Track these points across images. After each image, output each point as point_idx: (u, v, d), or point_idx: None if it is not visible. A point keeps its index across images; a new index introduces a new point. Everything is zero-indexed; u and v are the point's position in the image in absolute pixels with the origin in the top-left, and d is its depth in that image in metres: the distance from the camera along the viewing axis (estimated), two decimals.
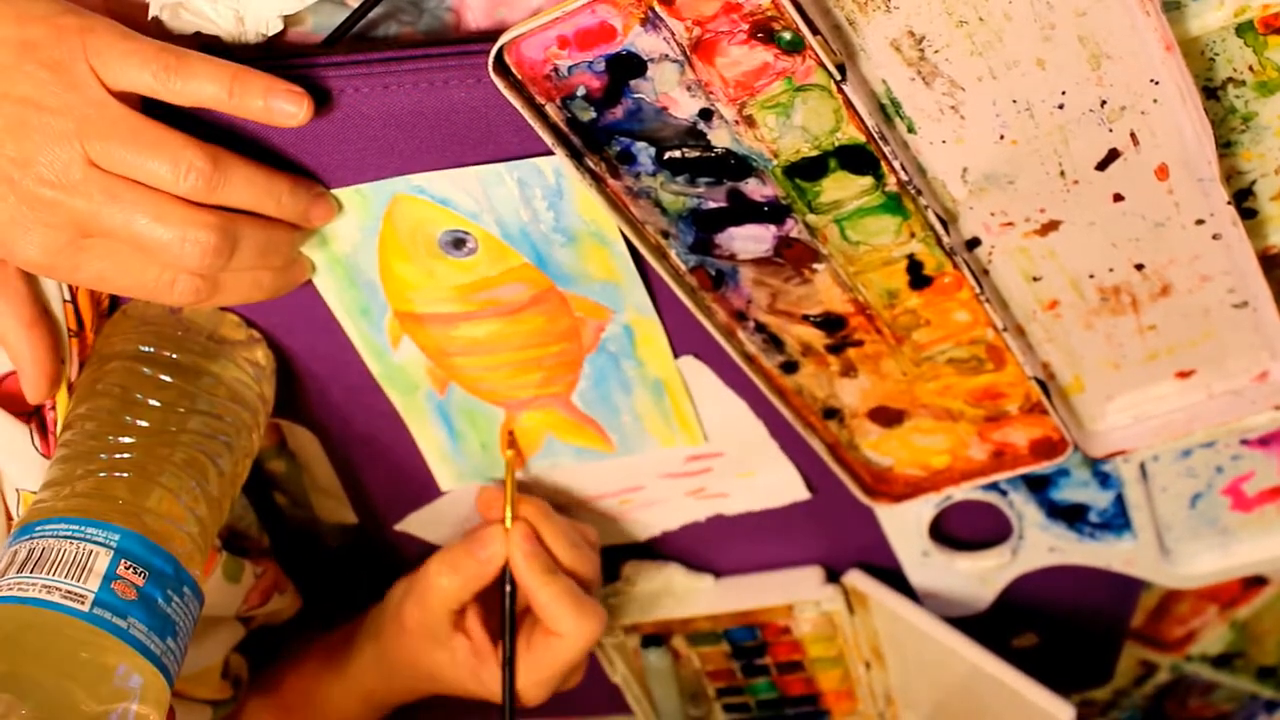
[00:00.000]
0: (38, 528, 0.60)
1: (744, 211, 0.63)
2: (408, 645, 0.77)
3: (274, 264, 0.64)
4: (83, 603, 0.58)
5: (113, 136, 0.58)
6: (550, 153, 0.60)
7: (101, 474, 0.62)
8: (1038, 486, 0.78)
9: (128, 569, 0.60)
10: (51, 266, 0.60)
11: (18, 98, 0.57)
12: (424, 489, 0.79)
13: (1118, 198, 0.62)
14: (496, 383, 0.73)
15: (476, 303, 0.69)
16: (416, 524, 0.82)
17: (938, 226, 0.62)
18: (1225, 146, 0.63)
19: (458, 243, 0.66)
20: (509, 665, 0.75)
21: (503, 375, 0.73)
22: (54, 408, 0.66)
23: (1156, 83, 0.58)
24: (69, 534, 0.60)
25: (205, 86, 0.58)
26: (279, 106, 0.58)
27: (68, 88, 0.57)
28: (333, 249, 0.67)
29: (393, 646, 0.78)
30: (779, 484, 0.78)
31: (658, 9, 0.55)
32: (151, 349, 0.66)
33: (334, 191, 0.64)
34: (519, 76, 0.58)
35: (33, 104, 0.57)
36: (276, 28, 0.62)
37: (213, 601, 0.71)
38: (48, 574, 0.58)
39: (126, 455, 0.63)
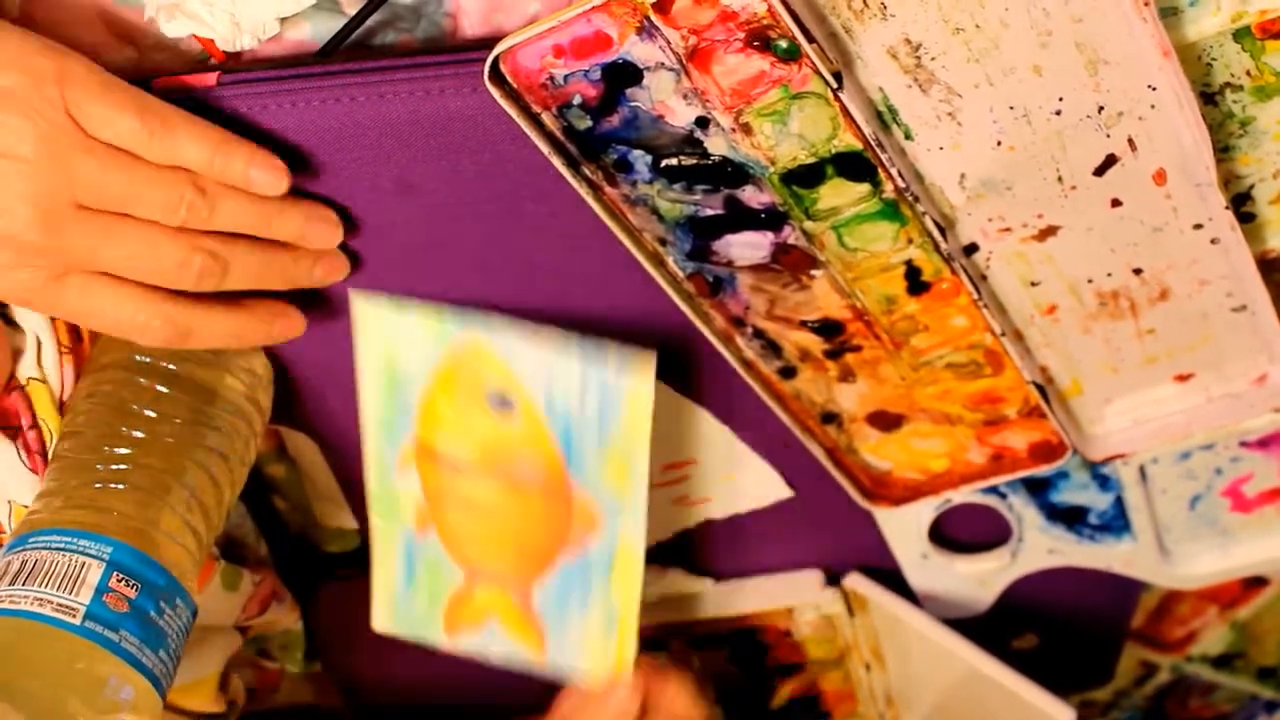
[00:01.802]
0: (31, 539, 0.60)
1: (741, 218, 0.63)
2: None
3: (271, 289, 0.64)
4: (74, 616, 0.58)
5: (103, 179, 0.57)
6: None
7: (96, 485, 0.62)
8: (1037, 489, 0.78)
9: (120, 581, 0.60)
10: (29, 302, 0.60)
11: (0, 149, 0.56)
12: None
13: (1116, 203, 0.62)
14: (473, 543, 0.72)
15: (493, 463, 0.69)
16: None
17: (935, 233, 0.62)
18: (1223, 151, 0.63)
19: (504, 402, 0.66)
20: None
21: (482, 538, 0.71)
22: (33, 426, 0.66)
23: (1154, 88, 0.57)
24: (61, 546, 0.60)
25: (188, 149, 0.58)
26: (258, 177, 0.60)
27: (49, 138, 0.56)
28: (390, 353, 0.67)
29: None
30: (758, 484, 0.78)
31: (653, 18, 0.55)
32: (148, 359, 0.66)
33: (414, 303, 0.66)
34: (515, 85, 0.58)
35: (13, 156, 0.56)
36: (273, 31, 0.62)
37: (211, 610, 0.71)
38: (40, 586, 0.58)
39: (122, 466, 0.63)
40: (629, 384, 0.63)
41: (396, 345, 0.67)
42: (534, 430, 0.67)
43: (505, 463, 0.68)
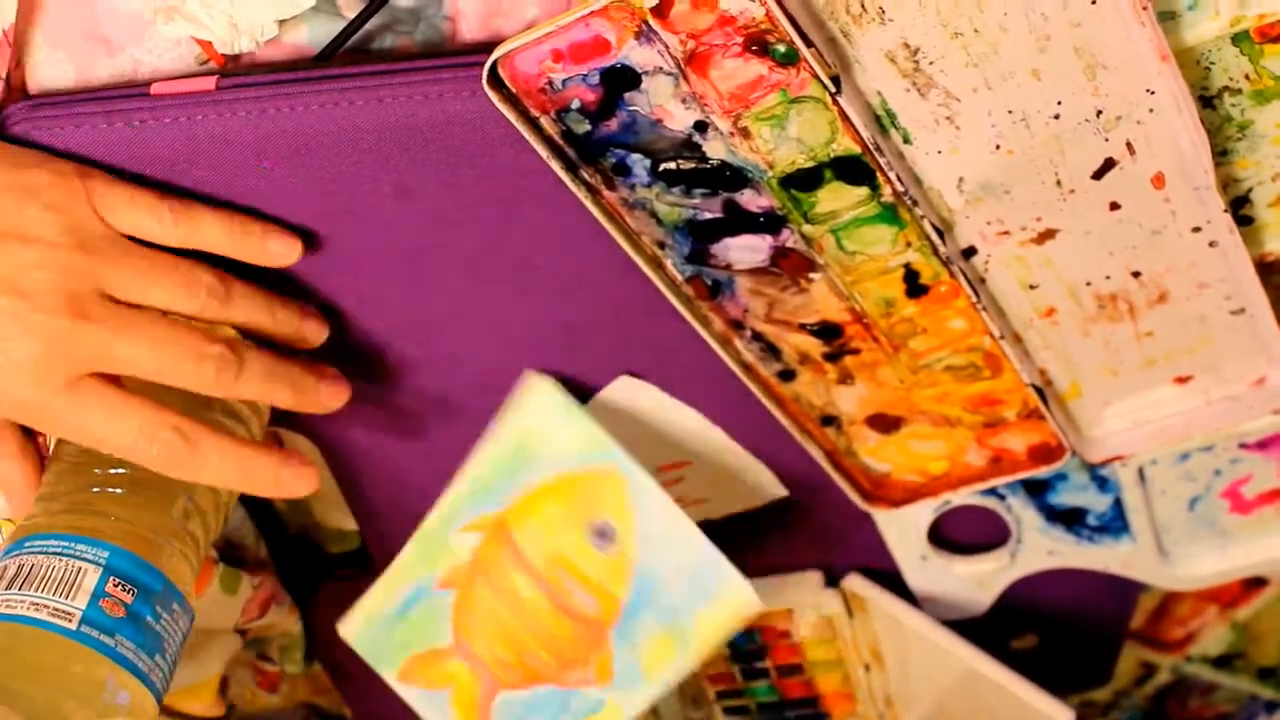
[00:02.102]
0: (27, 543, 0.60)
1: (740, 222, 0.63)
2: None
3: (279, 401, 0.65)
4: (70, 620, 0.58)
5: (126, 266, 0.60)
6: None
7: (94, 490, 0.62)
8: (1036, 491, 0.78)
9: (116, 586, 0.60)
10: (43, 404, 0.60)
11: (29, 237, 0.58)
12: (422, 498, 0.79)
13: (1114, 206, 0.62)
14: (483, 626, 0.72)
15: (555, 577, 0.69)
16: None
17: (934, 236, 0.62)
18: (1222, 155, 0.63)
19: (604, 535, 0.67)
20: None
21: (493, 628, 0.72)
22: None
23: (1152, 92, 0.57)
24: (58, 550, 0.60)
25: (209, 229, 0.61)
26: (275, 246, 0.63)
27: (75, 229, 0.59)
28: (535, 434, 0.68)
29: None
30: (754, 484, 0.78)
31: (652, 22, 0.55)
32: None
33: (582, 408, 0.68)
34: (513, 90, 0.58)
35: (42, 242, 0.58)
36: (271, 34, 0.62)
37: (210, 614, 0.71)
38: (36, 591, 0.59)
39: (119, 471, 0.63)
40: (722, 598, 0.66)
41: (546, 431, 0.68)
42: (615, 574, 0.68)
43: (567, 583, 0.69)
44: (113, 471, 0.63)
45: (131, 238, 0.61)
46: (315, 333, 0.67)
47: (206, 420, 0.63)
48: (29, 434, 0.65)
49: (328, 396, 0.67)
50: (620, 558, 0.67)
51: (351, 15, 0.62)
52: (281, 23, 0.62)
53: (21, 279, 0.58)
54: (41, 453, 0.65)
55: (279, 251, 0.63)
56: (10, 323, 0.58)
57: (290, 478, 0.65)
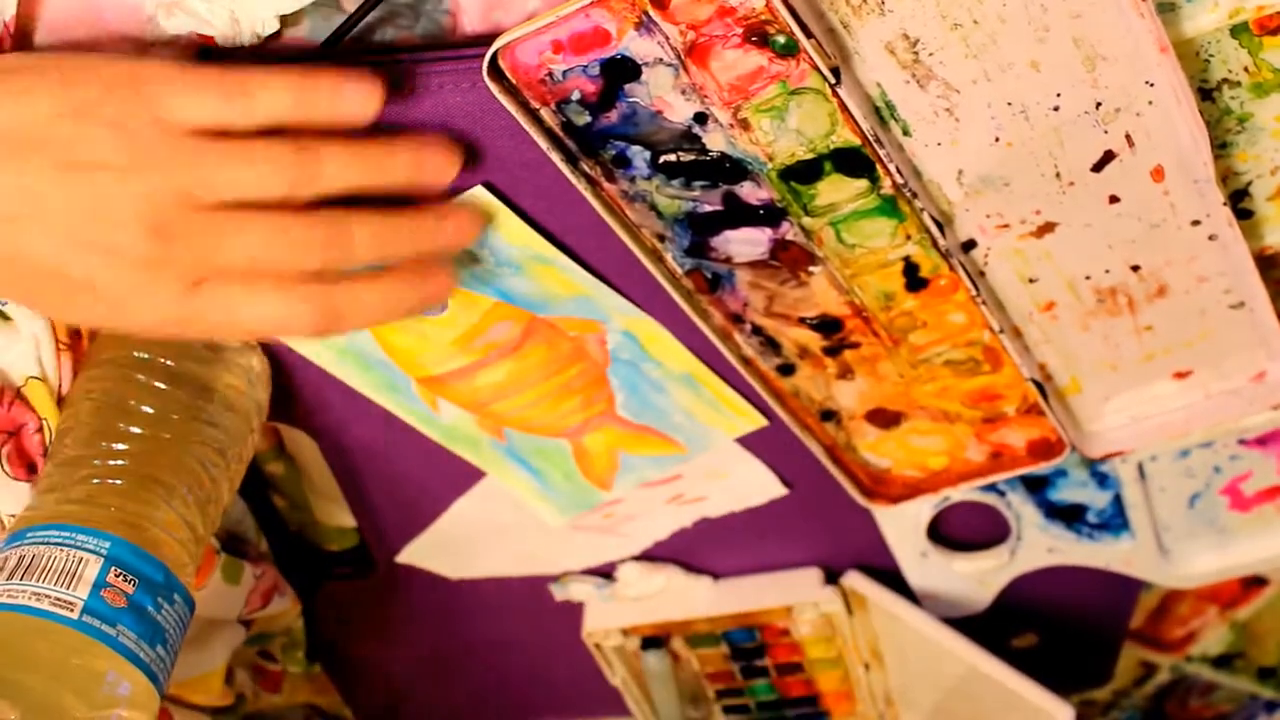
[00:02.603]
0: (28, 534, 0.60)
1: (739, 215, 0.63)
2: None
3: (402, 254, 0.60)
4: (72, 610, 0.58)
5: (201, 168, 0.56)
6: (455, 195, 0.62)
7: (95, 480, 0.62)
8: (1036, 487, 0.78)
9: (118, 576, 0.60)
10: (172, 322, 0.57)
11: (93, 164, 0.55)
12: (421, 494, 0.79)
13: (1113, 199, 0.62)
14: (541, 417, 0.73)
15: (478, 350, 0.69)
16: (418, 554, 0.82)
17: (933, 229, 0.62)
18: (1221, 148, 0.63)
19: None
20: None
21: (543, 409, 0.73)
22: (40, 430, 0.66)
23: (1151, 84, 0.58)
24: (59, 541, 0.60)
25: (270, 97, 0.56)
26: (350, 95, 0.57)
27: (140, 144, 0.55)
28: (333, 340, 0.69)
29: None
30: (752, 483, 0.78)
31: (652, 13, 0.55)
32: (146, 355, 0.66)
33: None
34: (514, 81, 0.58)
35: (112, 168, 0.55)
36: (272, 28, 0.62)
37: (213, 604, 0.71)
38: (37, 581, 0.59)
39: (120, 462, 0.63)
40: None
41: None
42: (470, 303, 0.67)
43: (484, 342, 0.69)
44: (112, 463, 0.63)
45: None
46: (437, 165, 0.60)
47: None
48: None
49: (454, 228, 0.61)
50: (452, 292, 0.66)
51: (352, 9, 0.62)
52: (282, 18, 0.62)
53: (102, 212, 0.55)
54: None
55: (354, 100, 0.57)
56: (110, 258, 0.56)
57: (435, 290, 0.61)
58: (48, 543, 0.60)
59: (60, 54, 0.58)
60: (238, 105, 0.56)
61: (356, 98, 0.57)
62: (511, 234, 0.64)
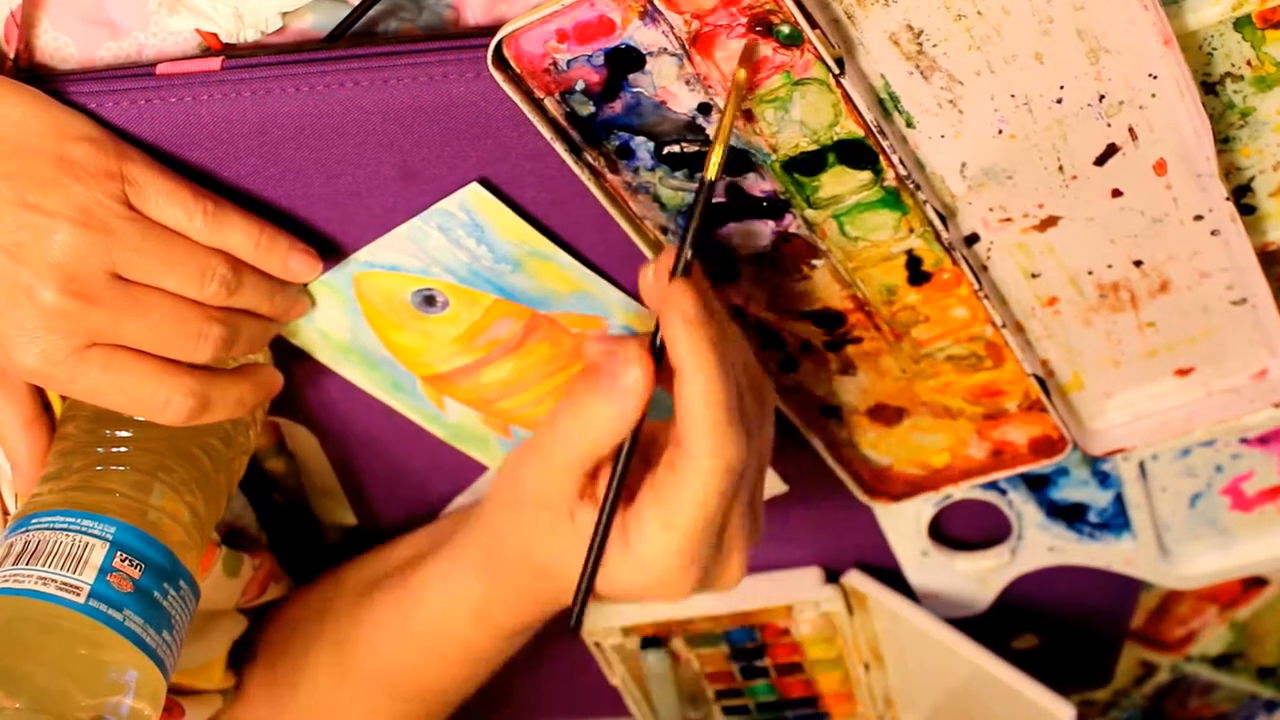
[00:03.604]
0: (34, 520, 0.60)
1: (742, 206, 0.63)
2: (523, 528, 0.63)
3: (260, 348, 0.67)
4: (78, 594, 0.58)
5: (143, 251, 0.59)
6: (454, 190, 0.62)
7: (98, 467, 0.62)
8: (1037, 486, 0.78)
9: (123, 562, 0.60)
10: (49, 376, 0.60)
11: (49, 211, 0.58)
12: (422, 489, 0.79)
13: (1116, 193, 0.62)
14: (537, 406, 0.73)
15: (481, 348, 0.69)
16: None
17: (936, 222, 0.62)
18: (1224, 142, 0.63)
19: (429, 300, 0.67)
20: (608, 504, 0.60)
21: (548, 406, 0.72)
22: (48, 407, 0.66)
23: (1155, 77, 0.58)
24: (65, 526, 0.60)
25: (236, 234, 0.62)
26: (297, 265, 0.64)
27: (100, 210, 0.59)
28: (336, 340, 0.69)
29: (504, 533, 0.65)
30: None
31: (656, 3, 0.55)
32: None
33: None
34: (518, 70, 0.58)
35: (65, 219, 0.58)
36: (275, 25, 0.62)
37: (212, 596, 0.71)
38: (43, 566, 0.58)
39: (123, 449, 0.63)
40: (474, 211, 0.64)
41: (327, 324, 0.69)
42: (471, 301, 0.67)
43: (486, 340, 0.69)
44: (115, 450, 0.63)
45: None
46: (302, 310, 0.68)
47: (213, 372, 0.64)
48: (46, 406, 0.66)
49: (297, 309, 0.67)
50: (451, 290, 0.67)
51: (355, 2, 0.62)
52: (285, 14, 0.62)
53: (34, 251, 0.58)
54: (52, 426, 0.66)
55: (299, 269, 0.64)
56: (18, 294, 0.58)
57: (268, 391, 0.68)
58: (53, 528, 0.60)
59: (68, 112, 0.60)
60: (205, 223, 0.61)
61: (301, 266, 0.64)
62: (508, 230, 0.64)
